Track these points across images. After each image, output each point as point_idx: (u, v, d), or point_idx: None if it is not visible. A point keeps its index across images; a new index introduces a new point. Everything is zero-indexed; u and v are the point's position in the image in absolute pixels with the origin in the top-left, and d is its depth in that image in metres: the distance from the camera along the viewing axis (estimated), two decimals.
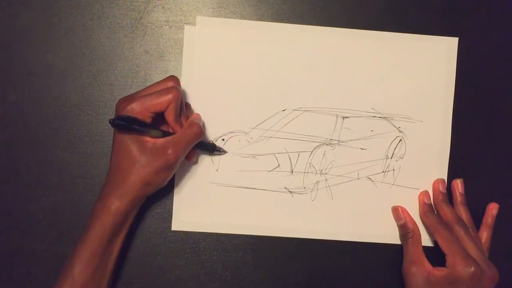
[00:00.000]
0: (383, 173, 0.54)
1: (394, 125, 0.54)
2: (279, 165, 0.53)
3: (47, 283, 0.52)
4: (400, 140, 0.54)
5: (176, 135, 0.47)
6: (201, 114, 0.52)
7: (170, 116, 0.47)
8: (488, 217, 0.53)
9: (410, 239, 0.51)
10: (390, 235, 0.54)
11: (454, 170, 0.54)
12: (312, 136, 0.53)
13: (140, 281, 0.53)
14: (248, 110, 0.53)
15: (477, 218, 0.53)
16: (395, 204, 0.54)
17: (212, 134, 0.53)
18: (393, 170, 0.54)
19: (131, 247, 0.53)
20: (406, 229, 0.52)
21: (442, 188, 0.53)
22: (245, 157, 0.53)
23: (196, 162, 0.53)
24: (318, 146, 0.53)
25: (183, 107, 0.49)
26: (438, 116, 0.54)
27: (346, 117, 0.53)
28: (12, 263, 0.52)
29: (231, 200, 0.53)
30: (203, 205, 0.53)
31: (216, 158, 0.53)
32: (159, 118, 0.47)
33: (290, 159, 0.53)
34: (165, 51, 0.53)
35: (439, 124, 0.54)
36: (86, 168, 0.53)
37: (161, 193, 0.53)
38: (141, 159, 0.46)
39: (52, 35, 0.53)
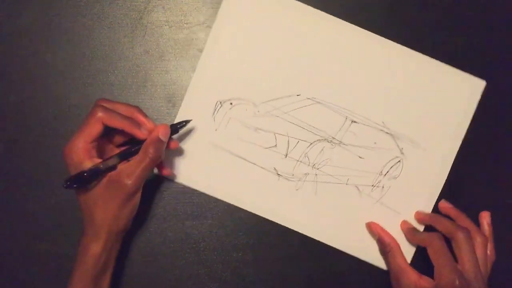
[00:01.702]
0: (372, 187, 0.53)
1: (397, 145, 0.53)
2: (276, 145, 0.53)
3: (47, 283, 0.52)
4: (399, 161, 0.53)
5: (130, 162, 0.45)
6: (219, 72, 0.52)
7: (115, 122, 0.45)
8: (484, 227, 0.51)
9: (389, 253, 0.51)
10: (361, 250, 0.53)
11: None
12: (317, 129, 0.53)
13: (140, 281, 0.53)
14: (264, 84, 0.53)
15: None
16: (373, 220, 0.53)
17: (223, 95, 0.52)
18: (383, 187, 0.53)
19: (131, 247, 0.53)
20: (382, 244, 0.52)
21: (424, 214, 0.52)
22: (247, 127, 0.53)
23: (173, 177, 0.52)
24: (319, 140, 0.53)
25: (137, 114, 0.47)
26: (442, 150, 0.53)
27: (355, 122, 0.53)
28: (12, 263, 0.52)
29: (221, 164, 0.52)
30: (194, 161, 0.52)
31: (218, 117, 0.52)
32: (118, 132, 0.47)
33: (288, 143, 0.53)
34: (165, 51, 0.53)
35: (441, 158, 0.53)
36: None
37: (161, 193, 0.53)
38: (101, 196, 0.45)
39: (52, 35, 0.53)
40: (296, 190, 0.53)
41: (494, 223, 0.52)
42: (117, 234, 0.47)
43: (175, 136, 0.50)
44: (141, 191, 0.47)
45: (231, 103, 0.53)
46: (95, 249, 0.45)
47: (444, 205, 0.52)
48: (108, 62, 0.53)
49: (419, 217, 0.53)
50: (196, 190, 0.53)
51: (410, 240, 0.52)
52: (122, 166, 0.46)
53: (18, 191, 0.53)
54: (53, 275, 0.52)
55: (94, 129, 0.45)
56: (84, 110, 0.53)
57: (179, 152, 0.52)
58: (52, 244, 0.52)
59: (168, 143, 0.48)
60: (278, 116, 0.53)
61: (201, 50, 0.53)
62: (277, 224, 0.53)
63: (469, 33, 0.55)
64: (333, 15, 0.53)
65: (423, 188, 0.53)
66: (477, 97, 0.53)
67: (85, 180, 0.44)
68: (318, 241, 0.53)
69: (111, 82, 0.53)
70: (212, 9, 0.54)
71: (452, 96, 0.53)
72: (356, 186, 0.53)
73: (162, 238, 0.53)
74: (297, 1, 0.53)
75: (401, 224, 0.53)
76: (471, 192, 0.54)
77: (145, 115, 0.47)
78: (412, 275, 0.48)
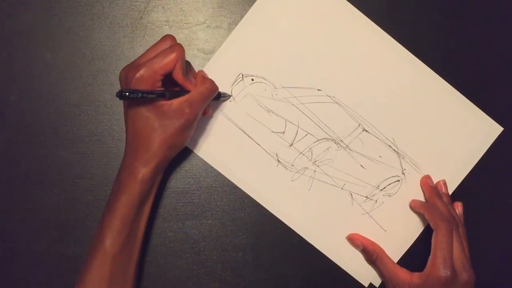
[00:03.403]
0: (366, 198, 0.53)
1: (401, 165, 0.53)
2: (284, 132, 0.53)
3: (47, 283, 0.52)
4: (398, 180, 0.53)
5: (191, 93, 0.47)
6: (249, 46, 0.52)
7: (178, 75, 0.46)
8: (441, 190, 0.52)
9: (377, 260, 0.51)
10: (341, 258, 0.53)
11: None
12: (328, 127, 0.53)
13: (140, 281, 0.53)
14: (289, 70, 0.53)
15: (480, 220, 0.53)
16: (357, 231, 0.53)
17: (247, 69, 0.53)
18: (376, 201, 0.53)
19: None
20: (368, 253, 0.52)
21: (431, 183, 0.53)
22: (261, 106, 0.53)
23: (211, 116, 0.53)
24: (326, 138, 0.53)
25: (188, 65, 0.49)
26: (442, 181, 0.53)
27: (366, 131, 0.53)
28: (12, 263, 0.52)
29: (225, 136, 0.53)
30: (202, 127, 0.53)
31: (236, 90, 0.53)
32: (165, 80, 0.46)
33: (296, 133, 0.53)
34: None
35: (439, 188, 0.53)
36: (86, 168, 0.53)
37: (161, 193, 0.53)
38: (161, 124, 0.45)
39: (52, 35, 0.53)
40: (292, 181, 0.53)
41: (493, 223, 0.52)
42: (165, 163, 0.48)
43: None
44: (195, 127, 0.48)
45: (252, 79, 0.53)
46: (146, 174, 0.46)
47: (424, 180, 0.53)
48: (108, 62, 0.53)
49: (414, 204, 0.53)
50: (197, 188, 0.53)
51: (428, 199, 0.52)
52: (182, 97, 0.46)
53: (18, 191, 0.53)
54: (53, 275, 0.52)
55: (167, 65, 0.45)
56: (84, 110, 0.53)
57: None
58: (52, 244, 0.52)
59: (205, 109, 0.49)
60: (293, 105, 0.53)
61: (201, 50, 0.53)
62: (277, 224, 0.53)
63: (501, 80, 0.55)
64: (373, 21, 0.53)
65: (414, 212, 0.53)
66: (491, 140, 0.53)
67: (142, 97, 0.43)
68: None
69: (111, 82, 0.53)
70: (212, 9, 0.54)
71: (467, 132, 0.53)
72: (350, 193, 0.53)
73: (162, 238, 0.53)
74: None
75: (422, 179, 0.53)
76: (471, 192, 0.54)
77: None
78: (404, 275, 0.49)
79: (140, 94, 0.43)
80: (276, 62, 0.53)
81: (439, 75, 0.53)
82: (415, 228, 0.53)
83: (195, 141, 0.53)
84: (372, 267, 0.53)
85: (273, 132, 0.53)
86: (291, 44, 0.53)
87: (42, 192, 0.52)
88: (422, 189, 0.53)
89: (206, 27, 0.54)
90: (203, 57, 0.53)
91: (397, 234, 0.53)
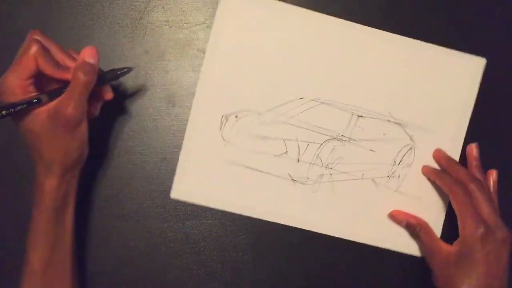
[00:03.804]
0: (388, 177, 0.54)
1: (407, 133, 0.53)
2: (286, 151, 0.53)
3: None
4: (410, 148, 0.53)
5: (65, 93, 0.43)
6: (220, 87, 0.52)
7: (47, 69, 0.43)
8: (490, 184, 0.52)
9: (420, 232, 0.51)
10: (386, 240, 0.53)
11: None
12: (325, 129, 0.53)
13: (140, 281, 0.53)
14: (266, 92, 0.52)
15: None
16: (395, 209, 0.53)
17: (227, 109, 0.52)
18: (398, 176, 0.54)
19: (131, 247, 0.53)
20: (411, 226, 0.52)
21: (442, 153, 0.53)
22: (255, 137, 0.53)
23: (112, 96, 0.49)
24: (328, 140, 0.53)
25: (62, 53, 0.45)
26: (451, 132, 0.53)
27: (361, 116, 0.53)
28: (12, 263, 0.52)
29: (234, 178, 0.52)
30: (205, 178, 0.52)
31: (226, 134, 0.52)
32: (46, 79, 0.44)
33: (298, 147, 0.53)
34: (165, 51, 0.53)
35: (451, 139, 0.53)
36: (86, 168, 0.53)
37: (161, 193, 0.53)
38: (45, 131, 0.43)
39: (52, 35, 0.53)
40: (313, 192, 0.53)
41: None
42: (71, 168, 0.45)
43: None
44: (86, 121, 0.45)
45: (236, 116, 0.52)
46: (50, 184, 0.44)
47: (435, 153, 0.53)
48: (108, 62, 0.53)
49: (425, 171, 0.53)
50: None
51: (434, 177, 0.52)
52: (58, 99, 0.43)
53: (18, 191, 0.52)
54: None
55: (28, 66, 0.42)
56: None
57: (192, 172, 0.52)
58: None
59: (102, 91, 0.47)
60: (284, 122, 0.53)
61: (201, 50, 0.53)
62: (277, 224, 0.53)
63: (461, 14, 0.55)
64: (327, 13, 0.53)
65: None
66: (479, 75, 0.53)
67: (15, 111, 0.41)
68: (318, 241, 0.53)
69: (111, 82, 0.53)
70: (212, 9, 0.54)
71: (454, 77, 0.53)
72: (372, 179, 0.53)
73: (162, 238, 0.53)
74: (288, 5, 0.52)
75: (433, 153, 0.53)
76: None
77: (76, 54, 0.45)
78: (445, 248, 0.49)
79: (7, 111, 0.41)
80: (250, 91, 0.52)
81: (402, 35, 0.53)
82: None
83: (206, 197, 0.52)
84: (416, 240, 0.53)
85: (276, 156, 0.53)
86: (257, 67, 0.52)
87: None
88: (436, 161, 0.53)
89: (206, 27, 0.54)
90: (203, 57, 0.53)
91: (433, 197, 0.53)
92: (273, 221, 0.53)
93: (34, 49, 0.43)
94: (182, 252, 0.53)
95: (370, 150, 0.53)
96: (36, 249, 0.44)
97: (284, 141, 0.53)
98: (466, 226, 0.47)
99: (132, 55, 0.53)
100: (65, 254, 0.46)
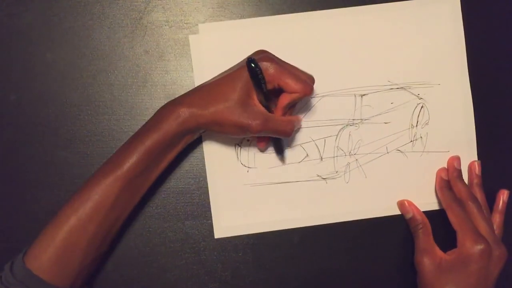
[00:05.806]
0: (411, 142, 0.54)
1: (413, 93, 0.54)
2: (307, 154, 0.53)
3: None
4: (422, 106, 0.54)
5: (274, 116, 0.47)
6: None
7: (285, 100, 0.47)
8: (499, 203, 0.53)
9: (420, 230, 0.52)
10: (427, 202, 0.54)
11: (480, 128, 0.54)
12: (335, 119, 0.53)
13: (140, 281, 0.53)
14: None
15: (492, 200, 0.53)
16: (430, 173, 0.53)
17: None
18: (421, 137, 0.54)
19: (131, 247, 0.53)
20: (415, 222, 0.52)
21: (457, 165, 0.53)
22: (272, 153, 0.53)
23: (263, 151, 0.53)
24: (342, 128, 0.53)
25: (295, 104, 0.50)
26: (455, 76, 0.54)
27: (364, 95, 0.53)
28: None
29: (267, 197, 0.53)
30: (241, 209, 0.53)
31: (245, 160, 0.53)
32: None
33: (317, 146, 0.53)
34: (165, 51, 0.53)
35: (458, 84, 0.54)
36: (86, 168, 0.53)
37: (161, 193, 0.53)
38: (236, 104, 0.46)
39: (52, 35, 0.53)
40: (347, 183, 0.53)
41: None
42: (202, 129, 0.48)
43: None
44: (247, 136, 0.50)
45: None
46: (187, 119, 0.46)
47: (450, 160, 0.54)
48: (108, 62, 0.53)
49: (451, 162, 0.53)
50: (198, 193, 0.53)
51: (436, 190, 0.53)
52: (266, 112, 0.47)
53: (18, 191, 0.53)
54: None
55: (289, 85, 0.46)
56: (84, 110, 0.53)
57: (226, 209, 0.53)
58: None
59: (263, 138, 0.51)
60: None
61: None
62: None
63: None
64: (295, 12, 0.53)
65: (456, 117, 0.54)
66: (458, 13, 0.54)
67: (258, 77, 0.45)
68: (318, 241, 0.53)
69: (111, 82, 0.53)
70: (212, 9, 0.54)
71: (436, 23, 0.54)
72: (398, 150, 0.54)
73: (162, 238, 0.53)
74: (252, 18, 0.53)
75: (437, 171, 0.54)
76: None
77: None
78: (439, 252, 0.50)
79: (260, 72, 0.45)
80: None
81: (366, 3, 0.53)
82: (466, 127, 0.54)
83: (245, 226, 0.53)
84: (413, 235, 0.53)
85: (299, 162, 0.53)
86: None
87: (42, 192, 0.53)
88: (447, 167, 0.54)
89: None
90: None
91: (460, 145, 0.54)
92: (318, 224, 0.53)
93: (307, 89, 0.47)
94: (182, 252, 0.53)
95: (385, 123, 0.54)
96: (133, 160, 0.46)
97: (301, 146, 0.53)
98: (467, 239, 0.48)
99: (132, 55, 0.53)
100: (156, 171, 0.48)
